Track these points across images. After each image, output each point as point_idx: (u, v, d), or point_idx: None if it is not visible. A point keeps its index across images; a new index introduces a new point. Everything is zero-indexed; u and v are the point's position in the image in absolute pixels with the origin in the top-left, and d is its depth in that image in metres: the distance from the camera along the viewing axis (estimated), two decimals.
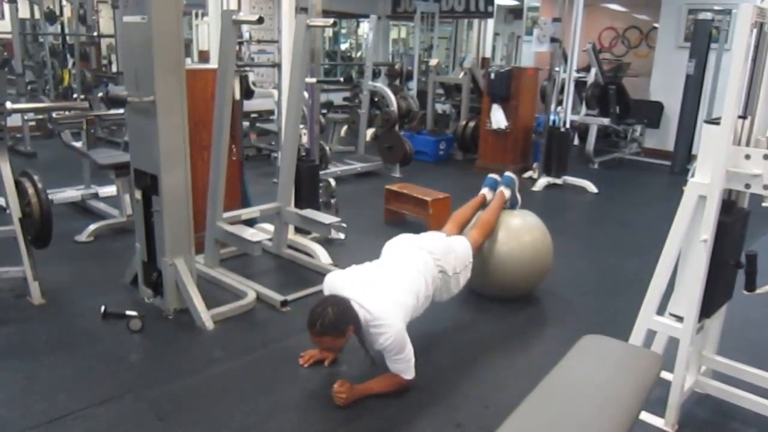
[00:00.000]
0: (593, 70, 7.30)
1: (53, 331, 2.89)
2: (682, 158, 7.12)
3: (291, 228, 4.06)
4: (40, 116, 6.48)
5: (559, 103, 6.40)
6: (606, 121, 7.23)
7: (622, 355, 1.83)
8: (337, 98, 8.66)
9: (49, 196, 3.30)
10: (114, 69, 8.60)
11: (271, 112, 6.95)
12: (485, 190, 3.49)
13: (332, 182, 4.76)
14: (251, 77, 6.53)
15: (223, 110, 3.31)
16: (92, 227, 4.16)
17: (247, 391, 2.48)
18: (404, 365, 2.41)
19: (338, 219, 3.78)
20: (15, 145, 6.52)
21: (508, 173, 3.55)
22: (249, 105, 6.25)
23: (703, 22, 6.87)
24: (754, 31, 2.03)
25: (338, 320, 2.31)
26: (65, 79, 7.96)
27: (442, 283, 2.79)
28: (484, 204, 3.44)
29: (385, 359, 2.44)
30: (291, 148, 3.80)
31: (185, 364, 2.67)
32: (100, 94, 6.20)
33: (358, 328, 2.39)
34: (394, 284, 2.55)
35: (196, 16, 8.64)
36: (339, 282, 2.54)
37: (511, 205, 3.50)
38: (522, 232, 3.35)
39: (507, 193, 3.45)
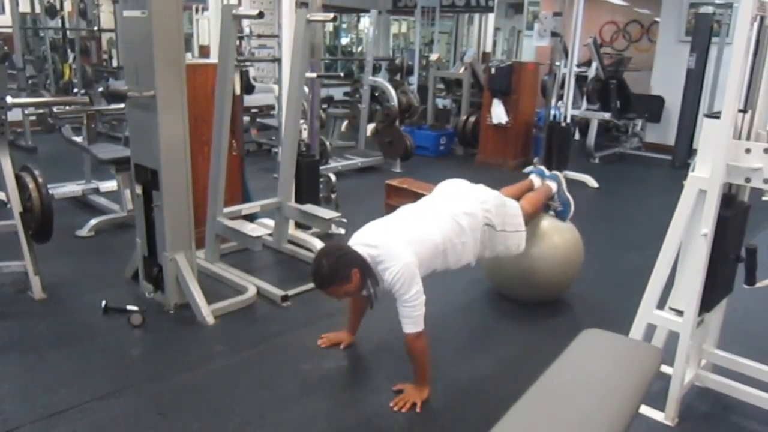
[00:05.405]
0: (594, 65, 7.28)
1: (54, 325, 2.90)
2: (683, 152, 7.11)
3: (291, 223, 4.06)
4: (41, 111, 6.45)
5: (560, 97, 6.38)
6: (607, 115, 7.22)
7: (622, 349, 1.83)
8: (338, 93, 8.65)
9: (50, 191, 3.30)
10: (114, 64, 8.61)
11: (272, 107, 6.94)
12: (533, 176, 3.34)
13: (333, 177, 4.75)
14: (252, 72, 6.55)
15: (223, 105, 3.31)
16: (93, 222, 4.16)
17: (248, 385, 2.48)
18: (409, 310, 2.23)
19: (338, 214, 3.78)
20: (16, 139, 6.53)
21: (554, 171, 3.37)
22: (249, 100, 6.25)
23: (704, 15, 6.86)
24: (755, 24, 2.03)
25: (335, 267, 2.23)
26: (66, 73, 7.96)
27: (488, 237, 2.65)
28: (530, 189, 3.29)
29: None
30: (291, 143, 3.79)
31: (186, 359, 2.68)
32: (101, 89, 6.23)
33: (367, 269, 2.28)
34: (409, 223, 2.42)
35: (197, 10, 8.61)
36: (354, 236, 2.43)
37: (563, 209, 3.27)
38: (552, 234, 3.18)
39: (554, 186, 3.24)
